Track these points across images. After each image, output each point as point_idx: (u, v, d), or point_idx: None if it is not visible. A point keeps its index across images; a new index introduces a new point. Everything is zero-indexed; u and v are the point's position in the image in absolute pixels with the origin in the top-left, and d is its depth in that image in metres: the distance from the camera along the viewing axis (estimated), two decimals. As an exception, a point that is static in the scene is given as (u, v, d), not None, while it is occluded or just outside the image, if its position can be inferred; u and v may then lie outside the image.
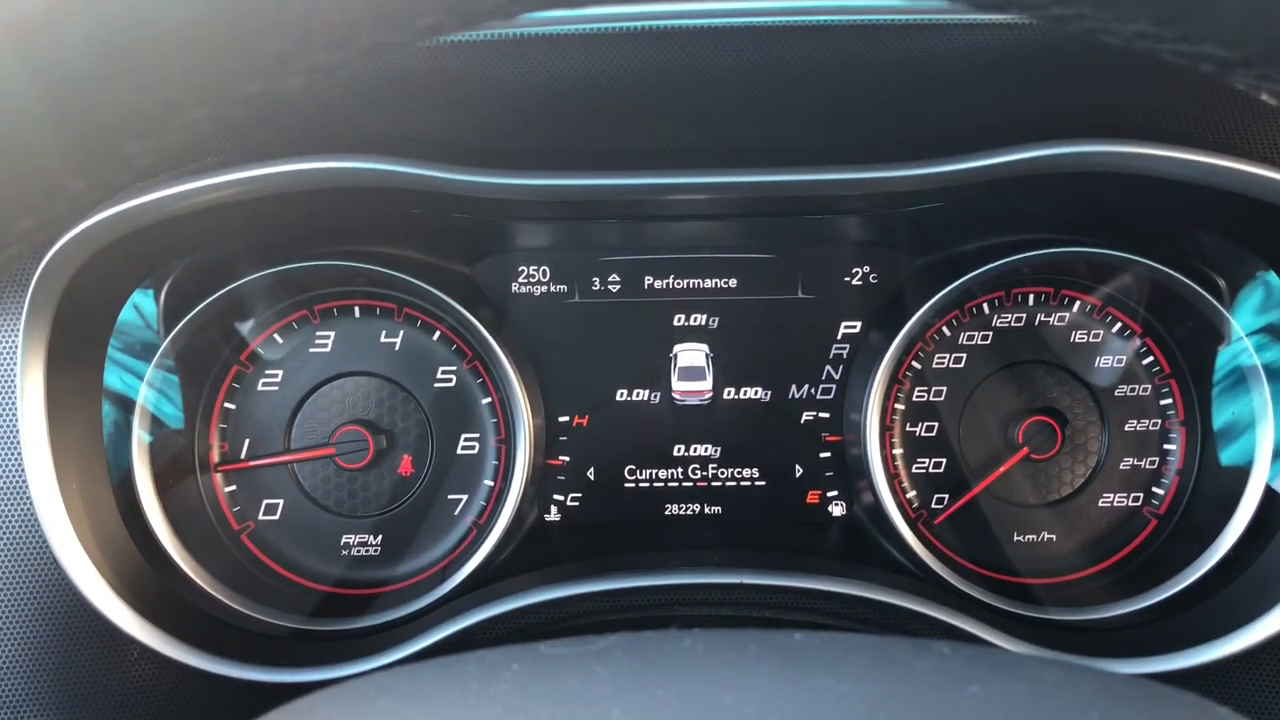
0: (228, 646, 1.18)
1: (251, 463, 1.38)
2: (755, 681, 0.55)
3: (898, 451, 1.40)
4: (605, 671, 0.57)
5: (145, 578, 1.21)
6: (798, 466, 1.43)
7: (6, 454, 1.16)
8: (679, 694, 0.54)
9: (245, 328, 1.38)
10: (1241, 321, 1.29)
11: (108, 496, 1.22)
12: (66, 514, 1.12)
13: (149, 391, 1.30)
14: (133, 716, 1.20)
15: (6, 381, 1.15)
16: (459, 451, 1.40)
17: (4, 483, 1.16)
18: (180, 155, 1.10)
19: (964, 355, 1.39)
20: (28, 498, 1.13)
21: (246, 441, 1.38)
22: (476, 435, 1.40)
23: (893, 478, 1.38)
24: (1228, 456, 1.33)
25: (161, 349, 1.30)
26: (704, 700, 0.54)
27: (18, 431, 1.12)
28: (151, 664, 1.17)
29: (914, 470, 1.40)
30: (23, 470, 1.12)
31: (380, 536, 1.39)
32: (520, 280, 1.40)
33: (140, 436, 1.29)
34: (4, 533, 1.16)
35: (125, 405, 1.28)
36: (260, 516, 1.38)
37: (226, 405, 1.38)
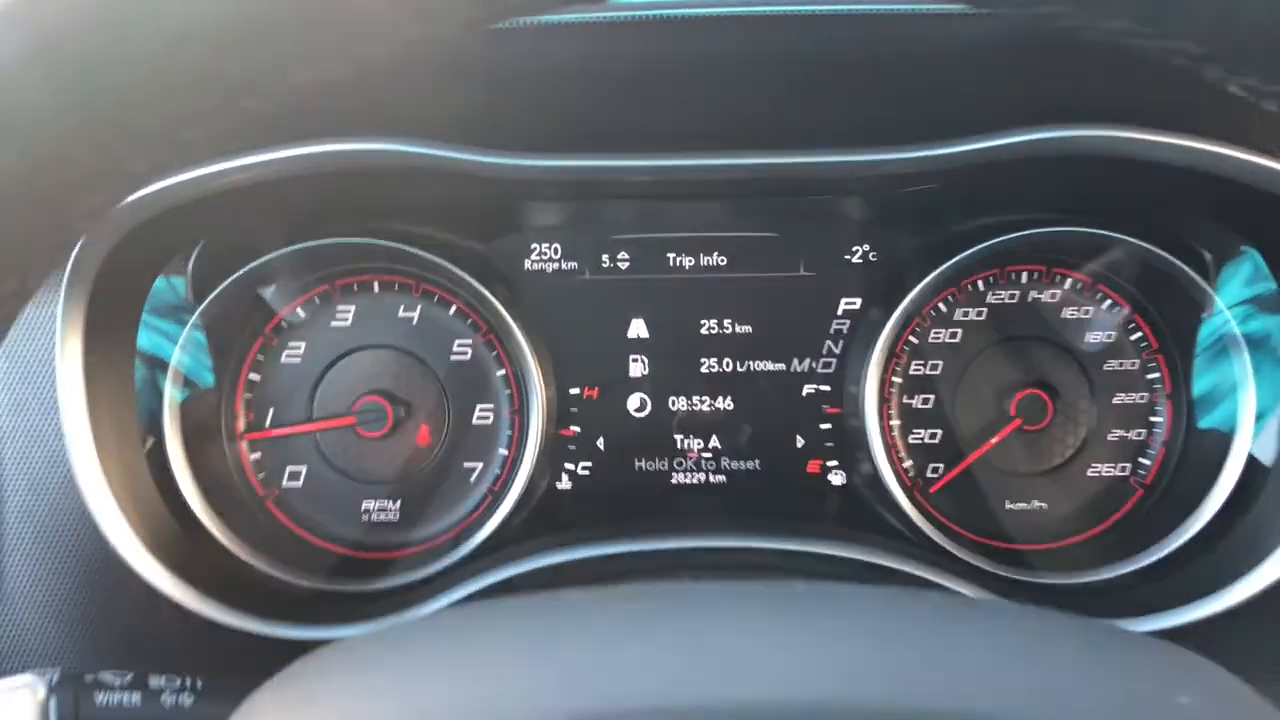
0: (254, 604, 1.23)
1: (275, 431, 1.43)
2: (757, 617, 0.59)
3: (895, 423, 1.45)
4: (613, 614, 0.59)
5: (177, 540, 1.26)
6: (799, 437, 1.47)
7: (46, 423, 1.21)
8: (684, 631, 0.58)
9: (269, 302, 1.42)
10: (1226, 296, 1.33)
11: (141, 463, 1.27)
12: (105, 480, 1.17)
13: (180, 355, 1.35)
14: (163, 666, 1.25)
15: (45, 355, 1.20)
16: (474, 421, 1.44)
17: (45, 450, 1.21)
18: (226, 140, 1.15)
19: (960, 330, 1.44)
20: (67, 464, 1.18)
21: (271, 411, 1.43)
22: (491, 406, 1.45)
23: (890, 448, 1.43)
24: (1210, 422, 1.38)
25: (191, 320, 1.35)
26: (712, 639, 0.56)
27: (57, 401, 1.17)
28: (183, 620, 1.22)
29: (910, 440, 1.45)
30: (62, 438, 1.17)
31: (398, 502, 1.44)
32: (533, 258, 1.44)
33: (173, 398, 1.34)
34: (46, 496, 1.21)
35: (158, 371, 1.33)
36: (284, 483, 1.44)
37: (251, 376, 1.43)
